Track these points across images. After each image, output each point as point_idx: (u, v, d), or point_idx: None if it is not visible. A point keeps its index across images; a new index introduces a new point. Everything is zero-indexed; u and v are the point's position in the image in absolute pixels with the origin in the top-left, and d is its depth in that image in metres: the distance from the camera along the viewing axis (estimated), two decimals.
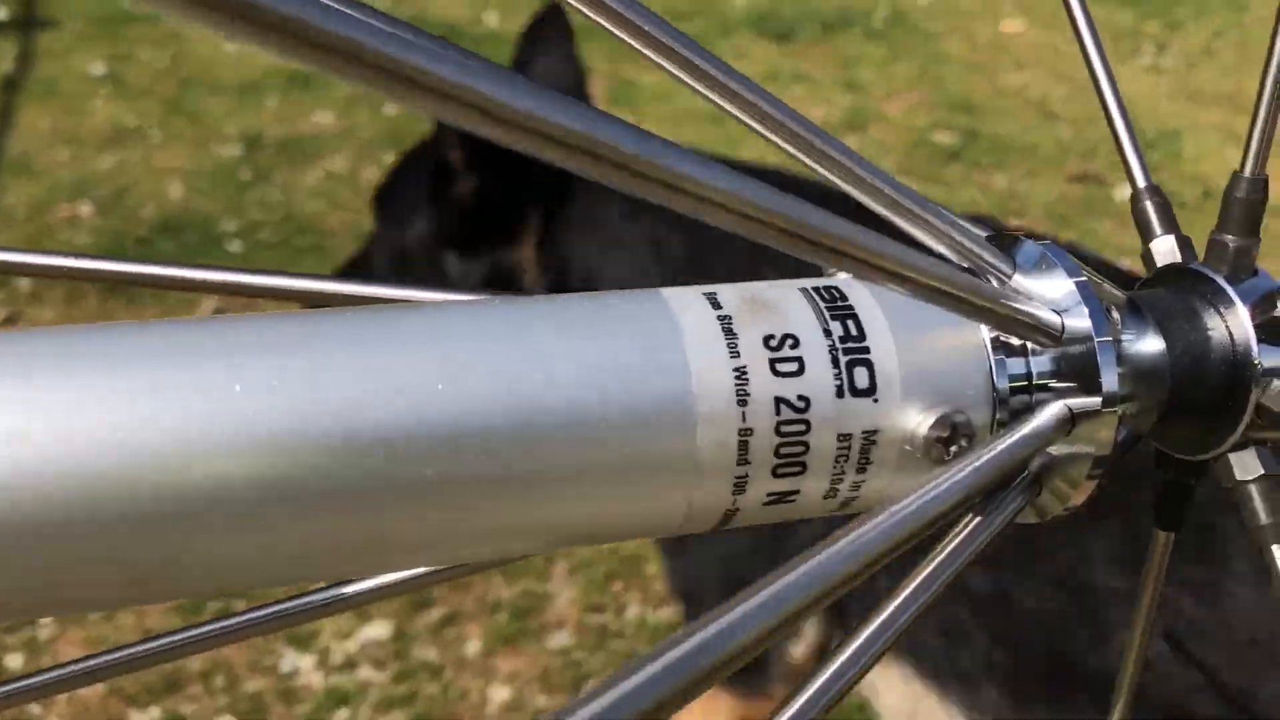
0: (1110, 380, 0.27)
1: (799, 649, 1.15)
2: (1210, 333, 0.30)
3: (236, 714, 1.38)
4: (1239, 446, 0.31)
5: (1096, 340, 0.27)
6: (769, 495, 0.26)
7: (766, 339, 0.25)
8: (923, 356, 0.26)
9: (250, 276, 0.32)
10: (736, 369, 0.25)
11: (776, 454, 0.25)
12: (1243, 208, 0.31)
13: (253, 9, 0.13)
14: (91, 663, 0.31)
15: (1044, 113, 2.53)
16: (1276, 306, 0.29)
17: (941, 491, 0.24)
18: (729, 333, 0.25)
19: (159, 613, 1.44)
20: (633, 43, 0.25)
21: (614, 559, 1.57)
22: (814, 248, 0.21)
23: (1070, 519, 0.29)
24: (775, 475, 0.25)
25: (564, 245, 1.20)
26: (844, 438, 0.26)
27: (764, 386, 0.25)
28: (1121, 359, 0.28)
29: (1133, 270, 0.97)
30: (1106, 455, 0.28)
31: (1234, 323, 0.30)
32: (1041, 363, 0.28)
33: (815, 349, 0.26)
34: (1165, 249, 0.33)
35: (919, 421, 0.26)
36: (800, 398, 0.25)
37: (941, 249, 0.27)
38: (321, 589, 0.32)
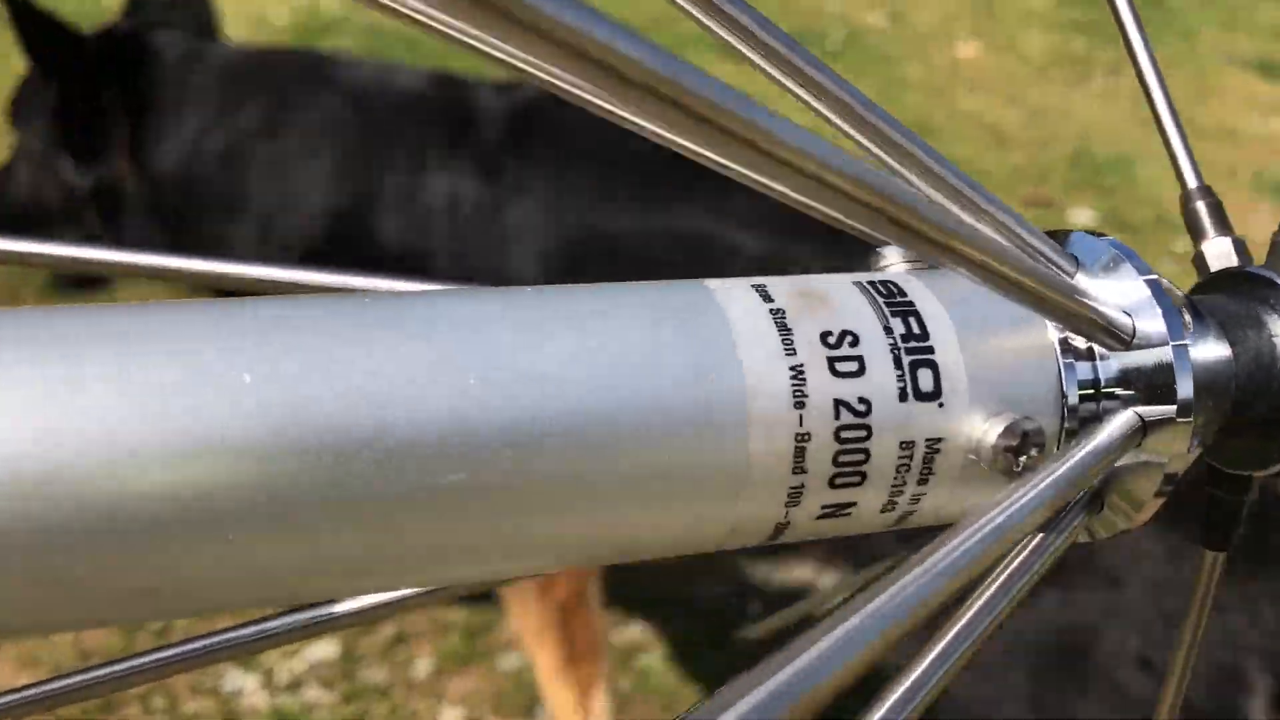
0: (1186, 387, 0.25)
1: None
2: (1275, 339, 0.28)
3: None
4: None
5: (1172, 344, 0.25)
6: (823, 508, 0.23)
7: (824, 335, 0.23)
8: (989, 358, 0.24)
9: (235, 266, 0.29)
10: (793, 367, 0.22)
11: (835, 462, 0.23)
12: None
13: None
14: (31, 692, 0.28)
15: (998, 137, 2.55)
16: None
17: (1017, 509, 0.21)
18: (783, 328, 0.23)
19: (98, 631, 1.39)
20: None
21: None
22: (887, 220, 0.19)
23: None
24: (832, 486, 0.23)
25: (155, 156, 1.25)
26: (906, 445, 0.23)
27: (823, 387, 0.22)
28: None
29: None
30: (1178, 470, 0.25)
31: None
32: (1108, 367, 0.25)
33: (876, 348, 0.23)
34: (1221, 251, 0.31)
35: (986, 429, 0.24)
36: (861, 400, 0.23)
37: (1001, 240, 0.25)
38: (304, 609, 0.29)
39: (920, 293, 0.24)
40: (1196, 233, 0.31)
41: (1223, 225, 0.31)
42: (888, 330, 0.23)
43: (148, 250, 0.30)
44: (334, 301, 0.20)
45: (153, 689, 1.37)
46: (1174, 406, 0.25)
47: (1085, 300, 0.24)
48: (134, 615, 0.19)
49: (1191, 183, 0.32)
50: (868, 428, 0.23)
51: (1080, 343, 0.25)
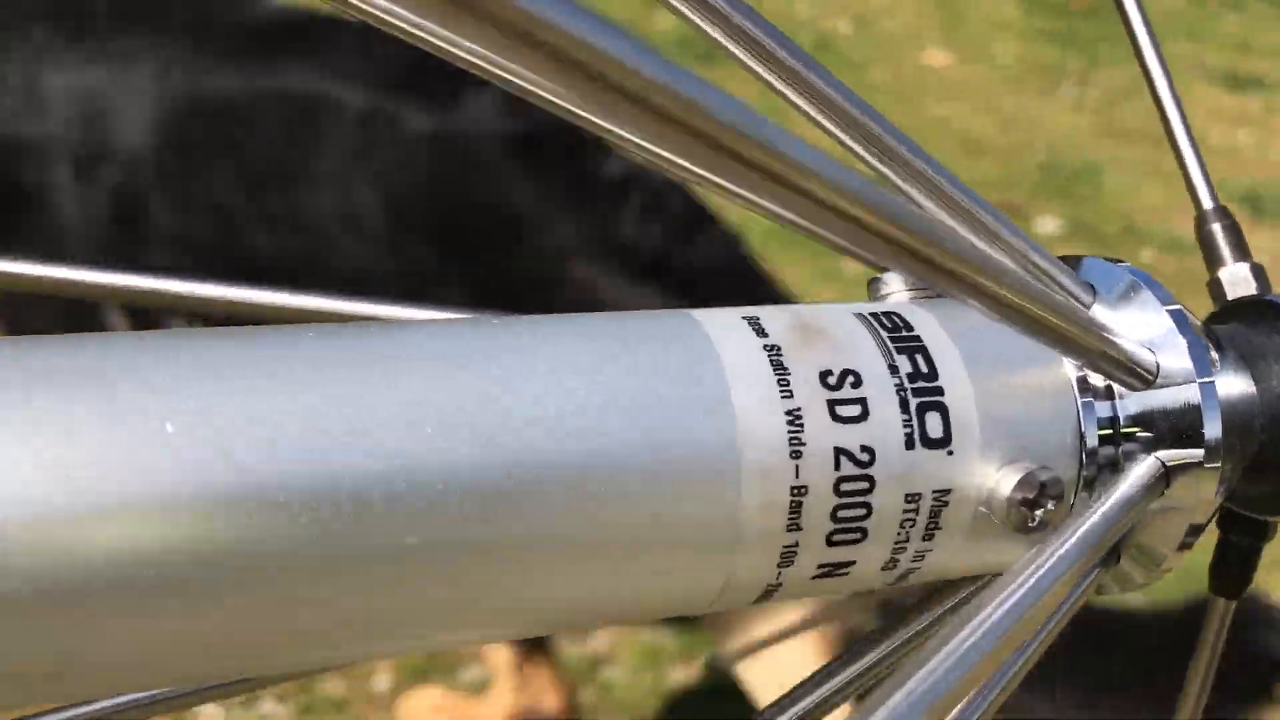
0: (1214, 429, 0.23)
1: None
2: None
3: None
4: None
5: (1199, 381, 0.23)
6: (820, 567, 0.21)
7: (824, 376, 0.20)
8: (1002, 399, 0.22)
9: (190, 287, 0.27)
10: (789, 412, 0.20)
11: (833, 517, 0.20)
12: None
13: None
14: None
15: (968, 145, 2.54)
16: None
17: (1049, 570, 0.19)
18: (779, 367, 0.20)
19: None
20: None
21: None
22: (892, 245, 0.17)
23: None
24: (830, 543, 0.21)
25: None
26: (912, 498, 0.21)
27: (822, 434, 0.20)
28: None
29: None
30: (1202, 520, 0.23)
31: None
32: (1127, 407, 0.23)
33: (880, 389, 0.21)
34: (1238, 277, 0.29)
35: (999, 480, 0.21)
36: (864, 449, 0.20)
37: (1020, 272, 0.23)
38: None
39: (927, 325, 0.22)
40: (1213, 258, 0.29)
41: (1240, 250, 0.29)
42: (893, 369, 0.21)
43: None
44: (270, 335, 0.18)
45: None
46: (1201, 450, 0.23)
47: (1107, 336, 0.22)
48: (30, 700, 0.17)
49: (1207, 204, 0.30)
50: (870, 479, 0.20)
51: (1098, 379, 0.23)
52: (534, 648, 1.21)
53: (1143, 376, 0.23)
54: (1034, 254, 0.23)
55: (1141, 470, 0.22)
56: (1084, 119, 2.65)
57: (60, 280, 0.27)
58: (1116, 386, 0.23)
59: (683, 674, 1.39)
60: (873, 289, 0.25)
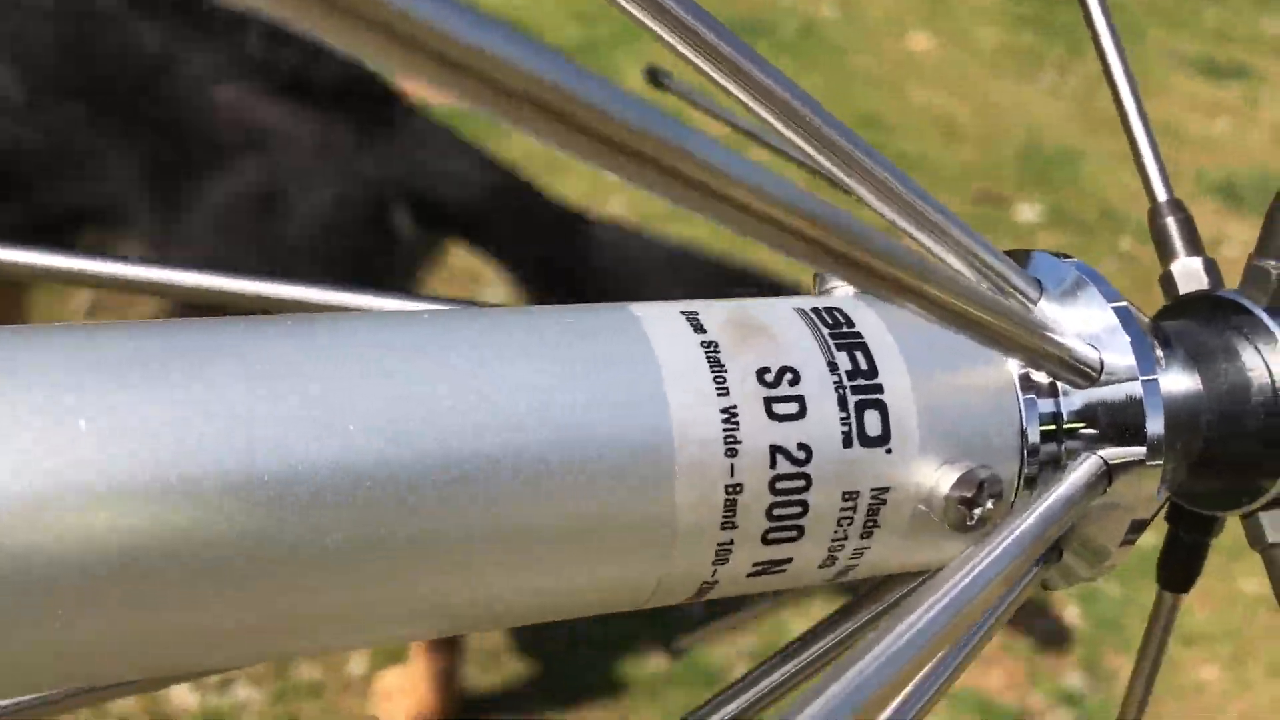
0: (1156, 426, 0.23)
1: None
2: (1250, 373, 0.26)
3: None
4: (1273, 504, 0.27)
5: (1142, 379, 0.23)
6: (755, 565, 0.21)
7: (761, 373, 0.20)
8: (943, 397, 0.22)
9: (138, 269, 0.26)
10: (725, 409, 0.20)
11: (769, 515, 0.20)
12: None
13: None
14: None
15: (949, 130, 2.54)
16: None
17: (986, 568, 0.19)
18: (715, 363, 0.20)
19: None
20: None
21: None
22: (823, 250, 0.16)
23: None
24: (765, 541, 0.20)
25: None
26: (849, 496, 0.21)
27: (758, 432, 0.20)
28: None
29: None
30: (1146, 516, 0.23)
31: (1275, 363, 0.26)
32: (1071, 404, 0.23)
33: (819, 386, 0.21)
34: (1190, 272, 0.29)
35: (938, 478, 0.21)
36: (801, 447, 0.20)
37: (958, 264, 0.22)
38: None
39: (869, 322, 0.22)
40: (1165, 251, 0.29)
41: (1193, 244, 0.29)
42: (832, 366, 0.21)
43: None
44: (190, 327, 0.18)
45: None
46: (1143, 448, 0.23)
47: (1050, 335, 0.22)
48: None
49: (1161, 196, 0.29)
50: (807, 477, 0.20)
51: (1042, 377, 0.23)
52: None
53: (1086, 374, 0.23)
54: (980, 250, 0.23)
55: (1083, 468, 0.22)
56: (1063, 106, 2.65)
57: None
58: (1060, 384, 0.23)
59: (659, 659, 1.40)
60: (818, 282, 0.24)
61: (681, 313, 0.21)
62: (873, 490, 0.21)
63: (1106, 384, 0.23)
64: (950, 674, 0.21)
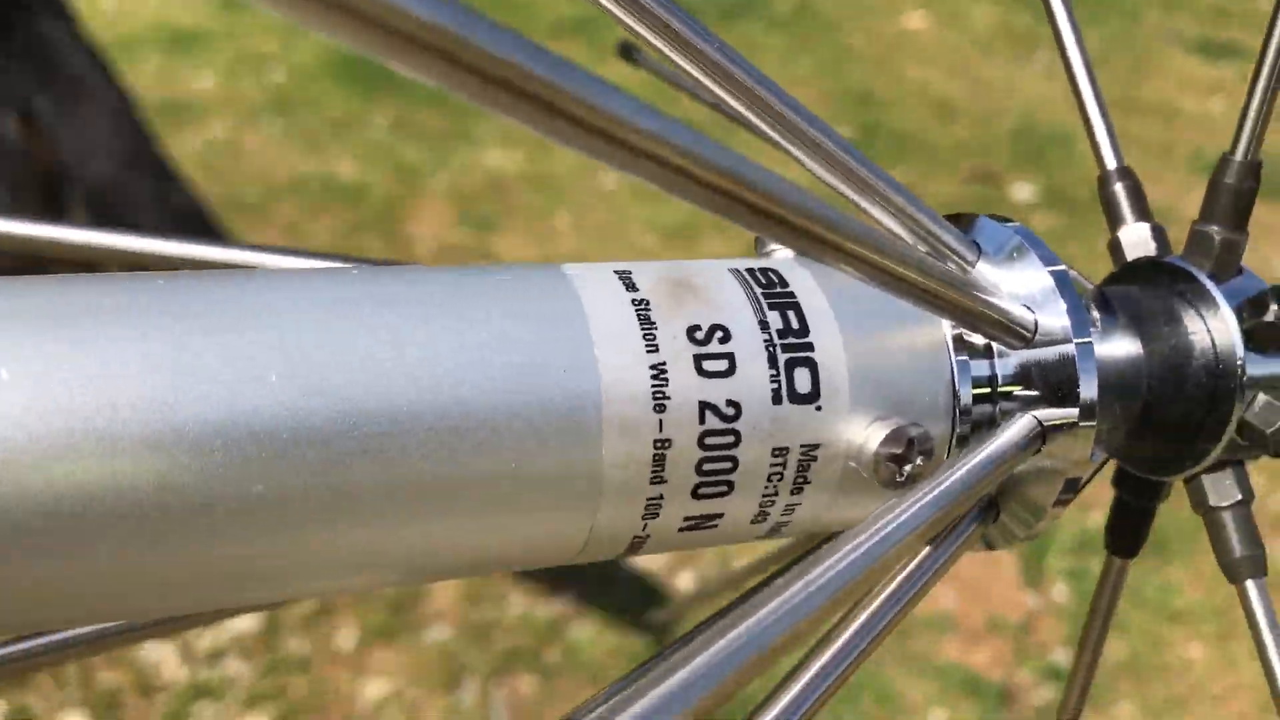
0: (1090, 389, 0.23)
1: None
2: (1191, 337, 0.26)
3: (90, 708, 1.29)
4: (1215, 467, 0.27)
5: (1076, 342, 0.23)
6: (686, 520, 0.21)
7: (691, 331, 0.21)
8: (874, 357, 0.22)
9: (61, 231, 0.26)
10: (654, 366, 0.20)
11: (698, 470, 0.20)
12: (1231, 196, 0.27)
13: None
14: None
15: (943, 109, 2.54)
16: (1267, 310, 0.25)
17: (902, 523, 0.19)
18: (646, 321, 0.20)
19: None
20: None
21: None
22: (755, 213, 0.17)
23: None
24: (695, 496, 0.21)
25: None
26: (779, 452, 0.21)
27: (686, 388, 0.20)
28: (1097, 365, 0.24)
29: None
30: (1080, 476, 0.24)
31: (1217, 327, 0.26)
32: (1006, 365, 0.23)
33: (749, 344, 0.21)
34: (1137, 238, 0.29)
35: (868, 435, 0.22)
36: (730, 403, 0.20)
37: (895, 228, 0.23)
38: None
39: (804, 283, 0.22)
40: (1114, 218, 0.29)
41: (1141, 211, 0.29)
42: (763, 325, 0.21)
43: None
44: (112, 281, 0.18)
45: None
46: (1076, 410, 0.23)
47: (981, 295, 0.22)
48: None
49: (1111, 164, 0.30)
50: (735, 433, 0.20)
51: (978, 338, 0.23)
52: None
53: (1020, 335, 0.23)
54: (917, 213, 0.23)
55: (1015, 427, 0.23)
56: (1058, 86, 2.64)
57: None
58: (996, 345, 0.23)
59: (646, 632, 1.40)
60: (758, 245, 0.25)
61: (615, 272, 0.21)
62: (802, 446, 0.21)
63: (1041, 345, 0.23)
64: (890, 623, 0.22)
